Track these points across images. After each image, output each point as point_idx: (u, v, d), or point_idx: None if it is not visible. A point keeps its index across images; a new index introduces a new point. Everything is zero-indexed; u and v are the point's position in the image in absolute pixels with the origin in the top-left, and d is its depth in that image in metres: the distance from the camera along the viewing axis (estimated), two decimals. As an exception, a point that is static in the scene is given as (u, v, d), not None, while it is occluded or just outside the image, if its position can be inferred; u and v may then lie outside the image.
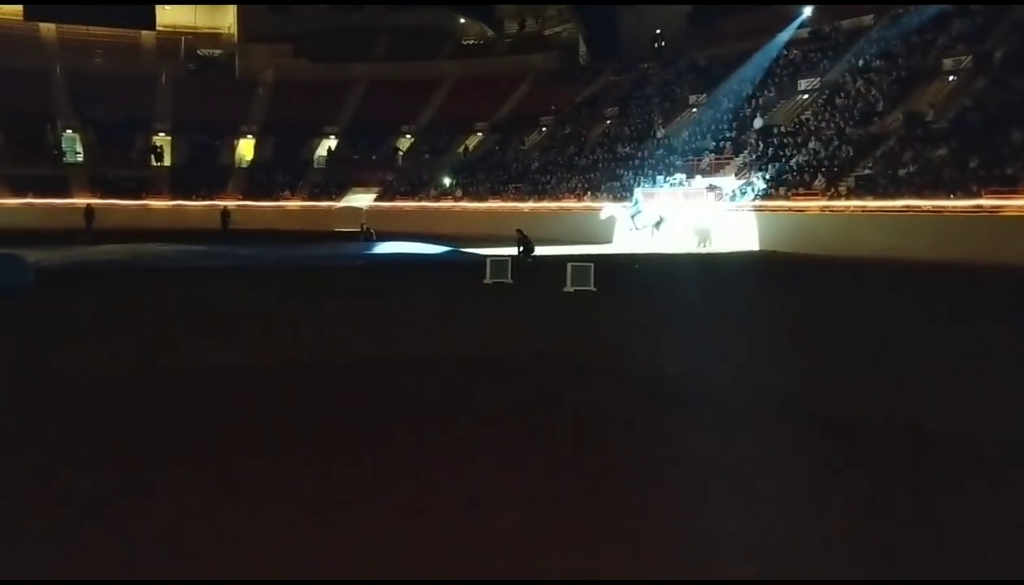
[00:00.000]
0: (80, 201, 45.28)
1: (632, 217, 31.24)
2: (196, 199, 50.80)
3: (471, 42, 64.85)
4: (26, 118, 53.17)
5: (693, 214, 31.36)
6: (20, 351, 9.28)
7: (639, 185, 35.15)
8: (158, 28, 61.19)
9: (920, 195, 27.02)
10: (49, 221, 42.27)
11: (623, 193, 36.18)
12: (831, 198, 29.86)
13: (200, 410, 6.83)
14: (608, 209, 32.17)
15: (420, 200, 49.70)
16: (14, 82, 51.35)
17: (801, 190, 31.27)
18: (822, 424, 6.58)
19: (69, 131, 55.64)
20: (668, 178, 36.39)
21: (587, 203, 38.12)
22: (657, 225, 31.09)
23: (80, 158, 55.02)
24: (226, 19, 65.98)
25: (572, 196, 40.21)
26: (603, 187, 39.18)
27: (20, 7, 56.23)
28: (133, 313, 12.68)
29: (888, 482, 5.17)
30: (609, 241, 30.67)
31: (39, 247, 21.86)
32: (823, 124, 34.82)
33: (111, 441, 5.88)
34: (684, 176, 35.91)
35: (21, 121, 53.06)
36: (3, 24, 57.82)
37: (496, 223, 39.53)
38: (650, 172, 38.91)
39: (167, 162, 56.46)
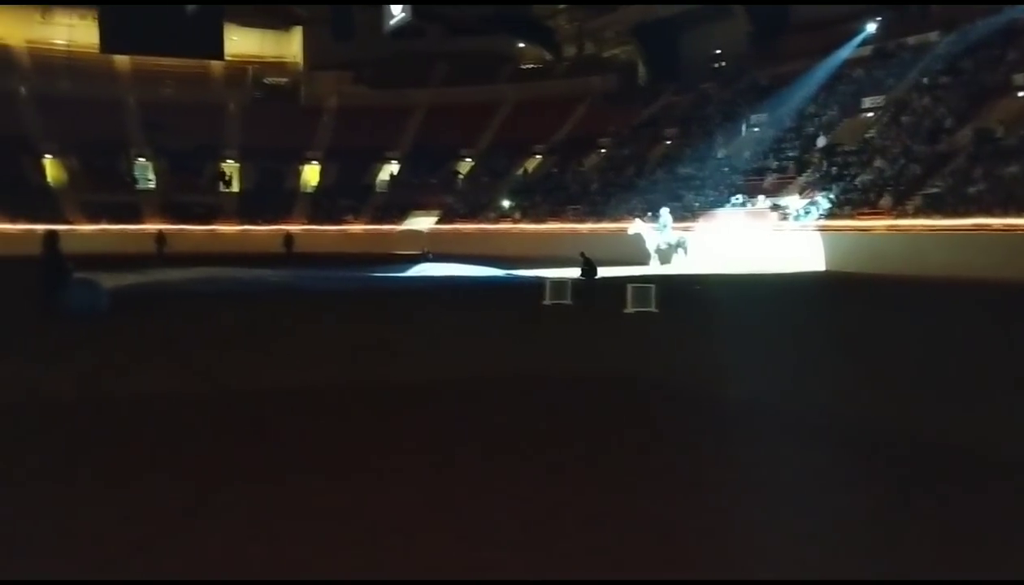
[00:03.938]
0: (152, 227, 46.62)
1: (659, 233, 31.02)
2: (263, 224, 51.88)
3: (530, 66, 65.28)
4: (101, 147, 55.10)
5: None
6: (94, 373, 9.56)
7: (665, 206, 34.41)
8: (226, 58, 62.88)
9: (990, 213, 26.34)
10: (122, 246, 43.52)
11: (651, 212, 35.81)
12: (898, 217, 29.28)
13: (265, 430, 6.96)
14: (636, 225, 31.94)
15: (480, 223, 50.03)
16: (90, 112, 53.38)
17: (867, 209, 30.73)
18: (888, 449, 6.43)
19: (142, 159, 57.47)
20: (730, 198, 36.08)
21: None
22: (679, 246, 30.81)
23: (152, 185, 56.73)
24: (291, 48, 67.53)
25: (632, 217, 40.03)
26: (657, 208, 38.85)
27: (96, 40, 58.28)
28: (201, 335, 12.99)
29: (961, 509, 5.04)
30: (646, 262, 30.43)
31: (113, 271, 22.51)
32: (888, 142, 34.21)
33: (179, 461, 6.03)
34: (746, 196, 35.59)
35: (96, 150, 55.02)
36: (80, 56, 60.05)
37: (556, 244, 39.63)
38: (711, 192, 38.62)
39: (235, 188, 57.87)
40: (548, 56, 64.28)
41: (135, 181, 56.64)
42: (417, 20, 55.08)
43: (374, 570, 4.09)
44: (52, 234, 15.52)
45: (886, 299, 20.45)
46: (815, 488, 5.49)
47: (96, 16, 58.40)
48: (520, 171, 56.20)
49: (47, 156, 54.79)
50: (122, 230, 48.92)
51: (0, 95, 54.88)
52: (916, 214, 28.84)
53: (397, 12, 53.71)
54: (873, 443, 6.58)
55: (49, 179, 54.41)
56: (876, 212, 30.27)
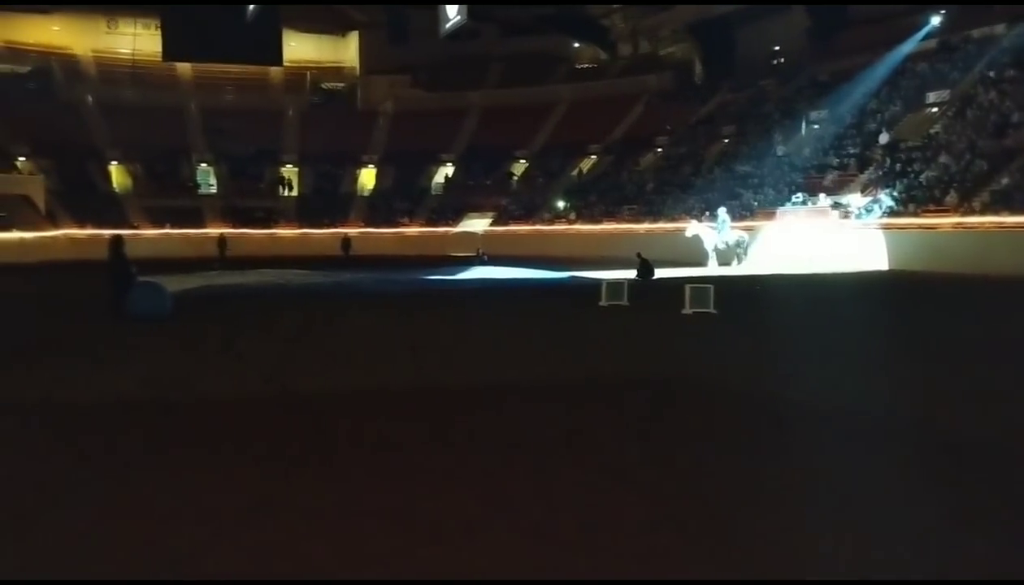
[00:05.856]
0: (213, 231, 47.55)
1: (718, 233, 30.57)
2: (321, 227, 52.57)
3: (585, 66, 65.06)
4: (164, 153, 56.46)
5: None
6: (159, 375, 9.76)
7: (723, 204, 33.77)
8: (285, 64, 63.84)
9: (1060, 209, 25.54)
10: (185, 250, 44.51)
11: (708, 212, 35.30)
12: (964, 214, 28.53)
13: (325, 432, 7.02)
14: (693, 227, 31.52)
15: (534, 224, 50.01)
16: (153, 119, 54.62)
17: (932, 206, 30.01)
18: (954, 451, 6.25)
19: (203, 165, 58.72)
20: (790, 197, 35.48)
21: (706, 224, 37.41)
22: (738, 246, 30.28)
23: (213, 190, 57.96)
24: (348, 53, 68.32)
25: (689, 217, 39.65)
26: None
27: (159, 49, 59.65)
28: (262, 338, 13.18)
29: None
30: (705, 262, 29.98)
31: (176, 275, 23.01)
32: (954, 137, 33.36)
33: (242, 461, 6.12)
34: (806, 194, 34.98)
35: (159, 156, 56.40)
36: (143, 65, 61.57)
37: (611, 245, 39.43)
38: (771, 191, 38.06)
39: (294, 192, 58.78)
40: (603, 55, 63.98)
41: (197, 186, 57.86)
42: (472, 21, 55.20)
43: (434, 571, 4.10)
44: (118, 239, 15.91)
45: (953, 299, 19.93)
46: (877, 488, 5.36)
47: (159, 25, 59.76)
48: (575, 171, 56.06)
49: (113, 163, 56.27)
50: (185, 234, 50.00)
51: (68, 104, 56.56)
52: (983, 211, 28.07)
53: (453, 15, 53.89)
54: (940, 444, 6.40)
55: (115, 185, 55.90)
56: (941, 209, 29.53)
